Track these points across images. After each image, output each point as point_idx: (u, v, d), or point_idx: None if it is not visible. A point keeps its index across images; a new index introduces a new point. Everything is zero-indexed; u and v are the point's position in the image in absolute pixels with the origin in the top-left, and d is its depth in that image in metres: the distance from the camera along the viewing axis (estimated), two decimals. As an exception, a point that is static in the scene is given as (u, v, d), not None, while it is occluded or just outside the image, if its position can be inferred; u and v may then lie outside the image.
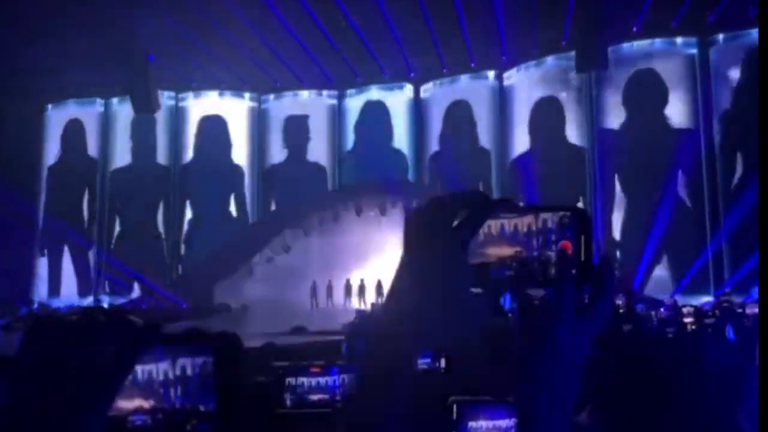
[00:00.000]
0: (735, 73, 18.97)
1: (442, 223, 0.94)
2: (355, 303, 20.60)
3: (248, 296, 21.60)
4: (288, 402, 4.01)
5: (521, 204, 0.98)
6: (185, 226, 25.19)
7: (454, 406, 3.03)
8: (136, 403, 1.14)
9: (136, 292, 23.89)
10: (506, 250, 0.96)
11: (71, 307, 20.54)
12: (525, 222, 0.95)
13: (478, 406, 2.88)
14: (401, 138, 24.38)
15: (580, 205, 19.79)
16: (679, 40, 19.94)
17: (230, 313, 20.15)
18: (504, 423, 2.62)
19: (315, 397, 4.09)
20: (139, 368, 1.14)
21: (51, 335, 0.90)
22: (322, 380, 4.11)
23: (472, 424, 2.67)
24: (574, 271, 0.92)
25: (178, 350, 1.20)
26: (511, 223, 0.96)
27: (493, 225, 0.96)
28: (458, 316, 0.97)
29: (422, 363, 3.93)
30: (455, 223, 0.96)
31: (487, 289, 0.99)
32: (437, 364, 4.14)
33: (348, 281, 21.59)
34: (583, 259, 0.94)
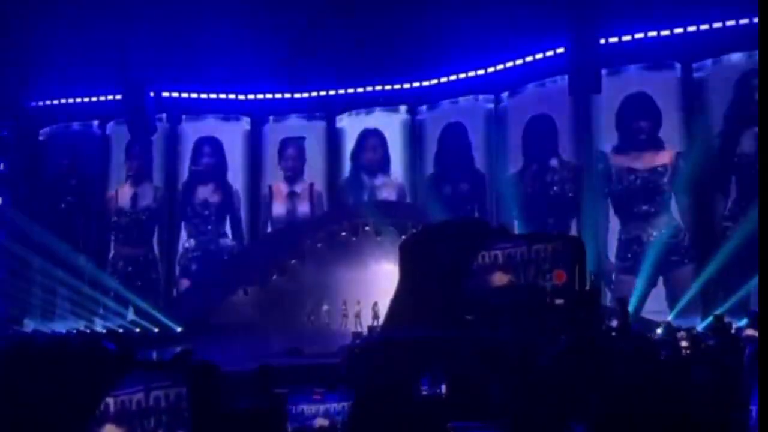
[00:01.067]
0: (725, 96, 19.15)
1: (439, 252, 0.98)
2: (351, 325, 20.48)
3: (244, 318, 21.48)
4: (290, 429, 3.98)
5: (517, 233, 1.01)
6: (180, 248, 25.14)
7: (452, 432, 3.06)
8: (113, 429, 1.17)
9: (131, 315, 23.75)
10: (502, 278, 1.00)
11: (53, 332, 20.42)
12: (520, 251, 0.99)
13: (475, 431, 2.91)
14: (397, 159, 24.46)
15: (573, 228, 19.85)
16: (670, 63, 20.16)
17: (224, 336, 20.02)
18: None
19: (317, 423, 4.05)
20: (113, 398, 1.17)
21: (25, 362, 0.93)
22: (323, 407, 4.07)
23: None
24: (566, 300, 0.96)
25: (153, 379, 1.23)
26: (507, 252, 1.00)
27: (488, 254, 1.00)
28: (455, 341, 1.01)
29: (423, 388, 3.93)
30: (452, 251, 1.00)
31: (484, 316, 1.02)
32: (438, 390, 4.14)
33: (344, 303, 21.49)
34: (577, 287, 0.98)
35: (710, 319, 14.50)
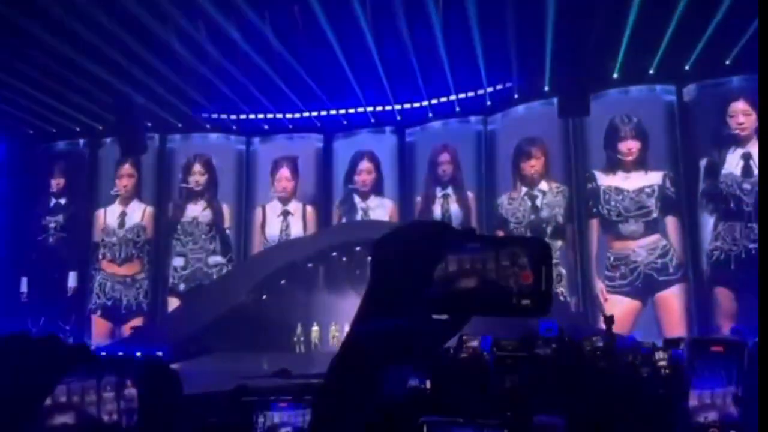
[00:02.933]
0: (713, 118, 19.36)
1: (405, 254, 0.97)
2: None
3: (233, 339, 21.30)
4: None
5: (484, 235, 1.00)
6: (170, 268, 25.00)
7: (425, 426, 3.04)
8: (62, 421, 1.17)
9: (121, 334, 23.56)
10: (469, 281, 0.99)
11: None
12: (487, 253, 0.98)
13: (448, 427, 2.89)
14: (388, 181, 24.49)
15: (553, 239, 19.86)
16: (658, 87, 20.37)
17: (213, 357, 19.83)
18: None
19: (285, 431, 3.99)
20: (65, 388, 1.17)
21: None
22: (287, 414, 3.98)
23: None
24: (531, 301, 0.95)
25: (105, 373, 1.23)
26: (474, 254, 0.98)
27: (457, 256, 0.99)
28: (421, 342, 1.00)
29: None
30: (420, 252, 0.99)
31: (451, 316, 1.01)
32: (423, 385, 4.12)
33: (335, 323, 21.38)
34: (543, 288, 0.96)
35: (691, 339, 14.56)
